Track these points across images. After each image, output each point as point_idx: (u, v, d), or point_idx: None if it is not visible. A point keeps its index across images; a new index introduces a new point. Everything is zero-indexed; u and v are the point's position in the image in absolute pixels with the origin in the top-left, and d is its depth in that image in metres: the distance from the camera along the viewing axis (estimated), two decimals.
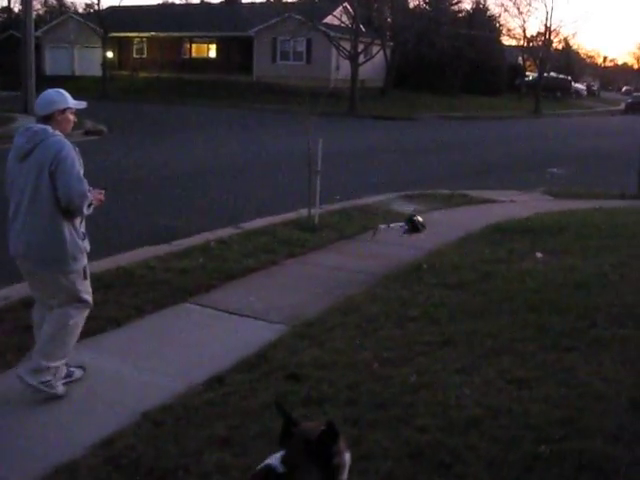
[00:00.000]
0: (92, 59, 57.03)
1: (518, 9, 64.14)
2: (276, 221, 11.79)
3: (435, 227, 12.14)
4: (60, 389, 5.44)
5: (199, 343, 6.62)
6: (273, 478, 2.92)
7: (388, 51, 54.43)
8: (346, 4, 52.46)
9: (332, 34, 49.45)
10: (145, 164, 19.21)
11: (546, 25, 61.86)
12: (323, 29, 49.06)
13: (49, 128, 5.22)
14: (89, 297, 5.57)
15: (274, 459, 2.98)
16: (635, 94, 78.00)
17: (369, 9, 52.73)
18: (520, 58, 69.98)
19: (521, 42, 66.77)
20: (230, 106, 42.93)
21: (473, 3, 67.52)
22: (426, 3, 61.20)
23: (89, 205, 5.26)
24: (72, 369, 5.69)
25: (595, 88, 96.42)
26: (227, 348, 6.48)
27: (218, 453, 4.48)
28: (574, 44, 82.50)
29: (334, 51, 50.43)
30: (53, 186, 5.12)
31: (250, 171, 18.57)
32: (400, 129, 35.64)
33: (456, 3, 66.18)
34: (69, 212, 5.23)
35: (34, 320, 5.69)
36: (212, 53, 60.40)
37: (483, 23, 64.33)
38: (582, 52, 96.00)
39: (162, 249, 9.79)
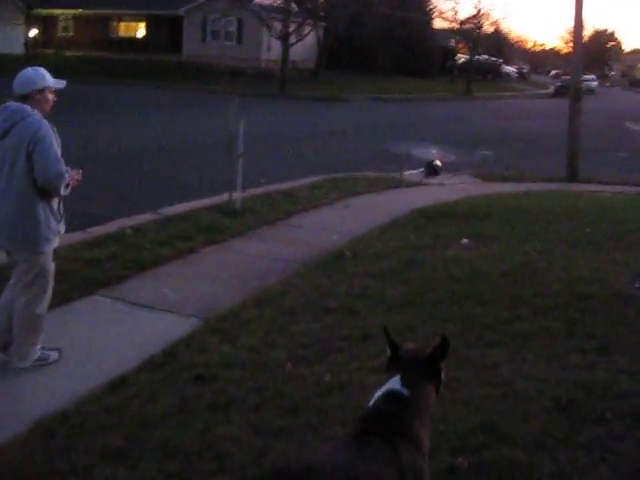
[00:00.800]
0: (15, 37, 55.24)
1: None
2: (197, 206, 11.30)
3: (360, 212, 11.88)
4: (53, 355, 5.68)
5: (105, 340, 6.17)
6: (399, 402, 2.93)
7: (320, 32, 54.02)
8: None
9: (263, 14, 48.76)
10: (64, 146, 18.47)
11: (477, 7, 62.20)
12: (254, 9, 48.35)
13: (27, 107, 5.19)
14: (50, 279, 5.58)
15: (394, 384, 2.97)
16: (564, 78, 78.90)
17: None
18: (452, 40, 70.16)
19: (453, 25, 67.00)
20: (159, 86, 41.94)
21: None
22: None
23: (66, 186, 5.27)
24: (46, 352, 5.72)
25: (525, 71, 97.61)
26: (134, 345, 6.07)
27: (111, 467, 4.09)
28: (505, 28, 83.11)
29: (265, 31, 49.77)
30: (30, 166, 5.11)
31: (175, 154, 17.98)
32: (331, 110, 35.27)
33: None
34: (46, 192, 5.22)
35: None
36: (141, 32, 58.97)
37: (415, 5, 64.26)
38: (512, 36, 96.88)
39: (74, 237, 9.16)
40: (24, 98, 5.24)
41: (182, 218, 10.39)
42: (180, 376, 5.30)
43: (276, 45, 48.66)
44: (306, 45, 51.36)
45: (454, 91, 56.38)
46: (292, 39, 46.76)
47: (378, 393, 3.02)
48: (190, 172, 15.31)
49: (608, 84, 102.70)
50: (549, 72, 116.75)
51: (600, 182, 17.67)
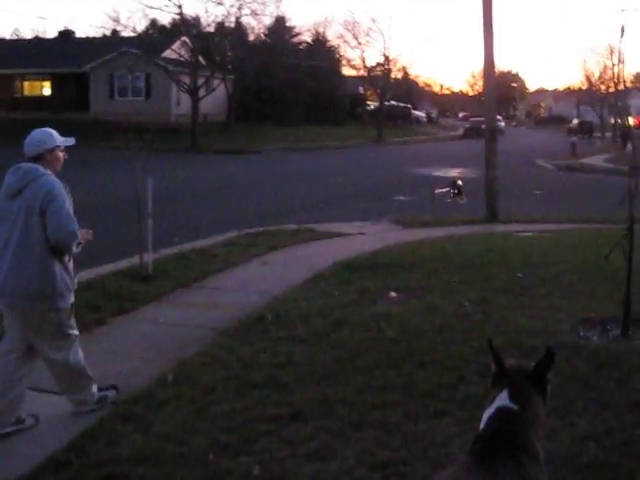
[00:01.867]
0: None
1: (357, 39, 64.74)
2: (105, 271, 10.48)
3: (280, 268, 11.28)
4: (110, 393, 5.85)
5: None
6: (512, 417, 2.89)
7: (229, 84, 53.73)
8: (185, 38, 51.26)
9: (171, 68, 48.21)
10: None
11: (385, 55, 62.84)
12: (161, 63, 47.77)
13: (40, 167, 5.27)
14: (74, 331, 5.57)
15: (503, 399, 2.93)
16: (472, 119, 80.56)
17: (208, 42, 51.82)
18: (361, 88, 70.73)
19: (361, 72, 67.55)
20: None
21: (313, 35, 67.87)
22: (266, 35, 60.94)
23: (78, 244, 5.36)
24: (103, 393, 5.87)
25: (434, 115, 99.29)
26: (34, 442, 5.29)
27: None
28: (412, 73, 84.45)
29: (174, 86, 49.18)
30: (43, 225, 5.16)
31: (79, 216, 17.05)
32: (245, 163, 34.77)
33: (296, 35, 66.43)
34: (57, 250, 5.28)
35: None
36: (46, 90, 57.73)
37: (323, 54, 64.71)
38: (420, 81, 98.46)
39: None
40: (35, 159, 5.33)
41: (88, 285, 9.53)
42: (87, 477, 4.57)
43: (186, 99, 48.14)
44: (216, 98, 50.95)
45: (366, 137, 56.66)
46: (201, 92, 46.34)
47: (488, 412, 2.97)
48: (97, 235, 14.44)
49: (514, 123, 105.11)
50: (457, 115, 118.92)
51: (520, 221, 17.52)
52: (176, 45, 51.89)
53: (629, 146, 50.01)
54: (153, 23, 62.34)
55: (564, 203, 23.02)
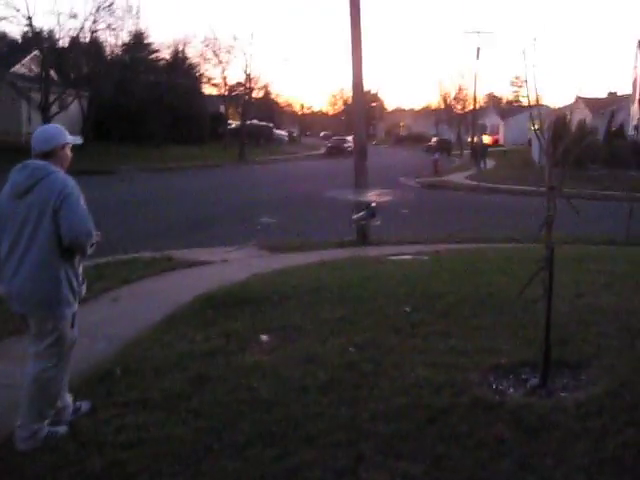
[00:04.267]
0: None
1: (217, 57, 63.28)
2: None
3: (134, 305, 9.82)
4: (61, 429, 5.28)
5: None
6: None
7: (84, 101, 51.34)
8: (36, 52, 48.56)
9: (20, 84, 45.51)
10: None
11: (246, 73, 61.69)
12: (10, 79, 45.03)
13: (50, 164, 5.05)
14: (72, 343, 5.31)
15: None
16: (334, 138, 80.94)
17: (62, 57, 49.36)
18: (222, 106, 69.38)
19: (223, 91, 66.19)
20: None
21: (172, 52, 66.05)
22: (123, 51, 58.82)
23: (91, 245, 5.12)
24: (78, 403, 5.63)
25: (295, 134, 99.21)
26: None
27: None
28: (274, 92, 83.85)
29: (24, 102, 46.44)
30: (55, 224, 4.92)
31: None
32: (99, 184, 32.67)
33: (155, 52, 64.53)
34: (70, 252, 5.05)
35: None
36: None
37: (184, 72, 63.15)
38: (282, 100, 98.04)
39: None
40: (46, 155, 5.09)
41: None
42: None
43: (37, 117, 45.49)
44: (70, 116, 48.34)
45: (228, 157, 55.50)
46: (54, 109, 43.91)
47: None
48: None
49: (374, 142, 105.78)
50: (319, 134, 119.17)
51: (392, 243, 16.62)
52: (27, 60, 49.24)
53: (482, 163, 51.50)
54: (3, 37, 59.05)
55: (433, 222, 22.39)
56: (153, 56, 64.36)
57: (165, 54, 66.13)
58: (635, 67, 54.44)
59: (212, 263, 13.35)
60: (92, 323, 8.68)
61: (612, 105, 57.64)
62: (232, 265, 13.23)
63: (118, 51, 58.37)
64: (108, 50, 57.01)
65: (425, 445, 4.73)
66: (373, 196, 13.72)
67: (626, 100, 57.03)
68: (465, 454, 4.58)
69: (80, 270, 5.27)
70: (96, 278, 10.98)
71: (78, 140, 5.46)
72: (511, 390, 5.73)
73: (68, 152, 5.30)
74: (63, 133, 5.25)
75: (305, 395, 5.67)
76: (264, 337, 7.54)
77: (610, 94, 70.90)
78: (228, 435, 5.03)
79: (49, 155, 5.10)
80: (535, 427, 4.94)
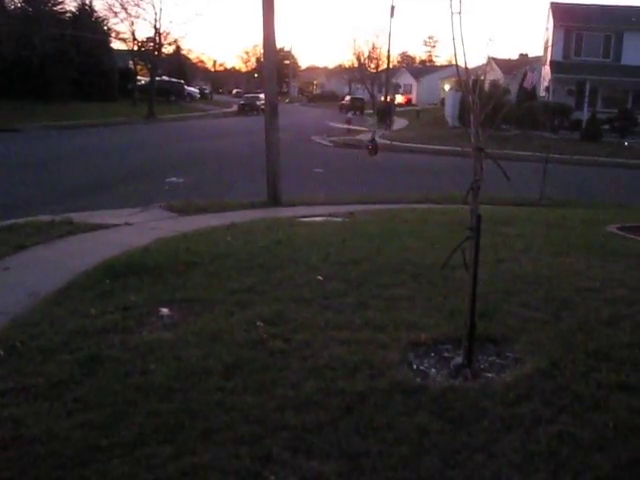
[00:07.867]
0: None
1: (126, 11, 60.97)
2: None
3: (26, 274, 9.04)
4: None
5: None
6: None
7: None
8: None
9: None
10: None
11: (156, 28, 59.75)
12: None
13: None
14: None
15: None
16: (246, 95, 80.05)
17: None
18: (131, 62, 67.24)
19: (132, 46, 64.04)
20: None
21: (78, 4, 63.41)
22: (24, 2, 56.21)
23: None
24: None
25: (208, 91, 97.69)
26: None
27: None
28: (185, 48, 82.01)
29: None
30: None
31: None
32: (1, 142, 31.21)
33: (59, 3, 61.84)
34: None
35: None
36: None
37: (90, 26, 60.68)
38: (193, 56, 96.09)
39: None
40: None
41: None
42: None
43: None
44: None
45: (137, 114, 53.88)
46: None
47: None
48: None
49: (287, 100, 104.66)
50: (231, 91, 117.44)
51: (305, 204, 16.09)
52: None
53: (387, 123, 51.45)
54: None
55: (346, 181, 21.94)
56: (57, 8, 61.71)
57: (70, 7, 63.59)
58: (547, 29, 54.74)
59: (114, 227, 12.55)
60: None
61: (524, 67, 58.01)
62: (135, 229, 12.47)
63: (20, 3, 55.91)
64: (9, 2, 54.59)
65: (340, 440, 4.21)
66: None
67: (537, 62, 57.44)
68: (384, 450, 4.08)
69: None
70: None
71: None
72: (433, 371, 5.25)
73: None
74: None
75: (206, 379, 5.07)
76: (165, 311, 6.91)
77: (521, 55, 71.62)
78: (118, 430, 4.42)
79: None
80: (461, 416, 4.47)
